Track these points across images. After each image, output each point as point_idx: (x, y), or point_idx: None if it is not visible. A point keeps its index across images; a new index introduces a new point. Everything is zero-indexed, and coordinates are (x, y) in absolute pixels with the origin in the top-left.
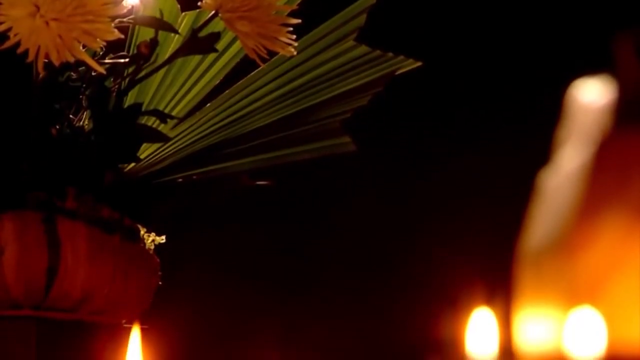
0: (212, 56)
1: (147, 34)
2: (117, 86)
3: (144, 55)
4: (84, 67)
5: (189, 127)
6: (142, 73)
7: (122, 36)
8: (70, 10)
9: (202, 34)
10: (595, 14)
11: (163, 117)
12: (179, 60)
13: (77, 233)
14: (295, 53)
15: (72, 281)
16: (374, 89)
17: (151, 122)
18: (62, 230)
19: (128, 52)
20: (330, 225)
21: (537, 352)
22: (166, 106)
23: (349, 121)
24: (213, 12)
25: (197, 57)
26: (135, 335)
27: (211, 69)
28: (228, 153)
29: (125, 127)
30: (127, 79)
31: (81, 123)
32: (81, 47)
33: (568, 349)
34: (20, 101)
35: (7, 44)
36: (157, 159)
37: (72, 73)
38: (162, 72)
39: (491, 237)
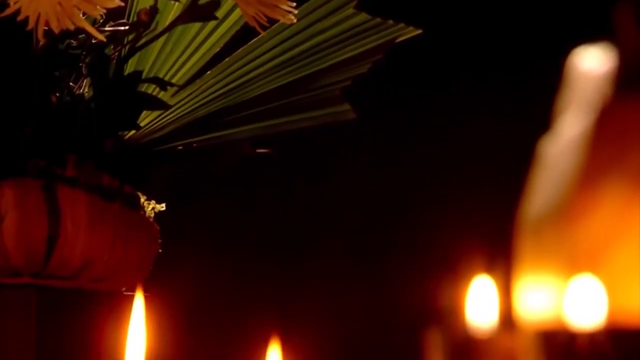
0: (212, 24)
1: (147, 1)
2: (117, 54)
3: (144, 23)
4: (84, 35)
5: (189, 94)
6: (142, 41)
7: (122, 4)
8: None
9: (202, 1)
10: None
11: (163, 84)
12: (179, 28)
13: (77, 200)
14: (295, 21)
15: (72, 249)
16: (374, 56)
17: (151, 89)
18: (62, 198)
19: (128, 19)
20: (330, 193)
21: (537, 320)
22: (166, 74)
23: (349, 89)
24: None
25: (197, 25)
26: (136, 302)
27: (211, 36)
28: (228, 121)
29: (126, 95)
30: (127, 47)
31: (81, 91)
32: (81, 15)
33: (568, 317)
34: (20, 69)
35: (7, 11)
36: (157, 126)
37: (72, 41)
38: (162, 39)
39: (491, 205)
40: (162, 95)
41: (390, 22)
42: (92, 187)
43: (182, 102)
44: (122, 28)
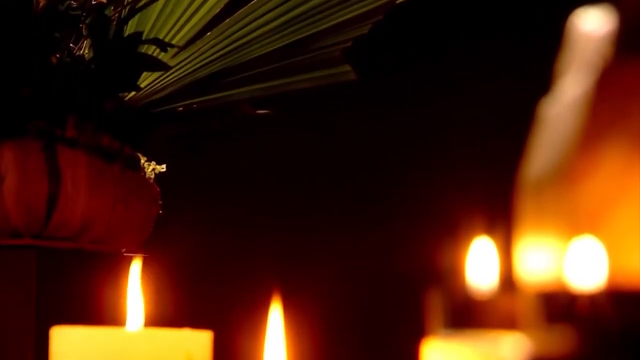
0: None
1: None
2: (117, 15)
3: None
4: None
5: (189, 55)
6: (142, 1)
7: None
8: None
9: None
10: None
11: (163, 45)
12: None
13: (78, 162)
14: None
15: (72, 210)
16: (374, 17)
17: (151, 50)
18: (62, 159)
19: None
20: (331, 153)
21: (537, 281)
22: (166, 35)
23: (349, 50)
24: None
25: None
26: (136, 263)
27: None
28: (228, 82)
29: (126, 56)
30: (127, 8)
31: (81, 52)
32: None
33: (569, 278)
34: (21, 30)
35: None
36: (157, 87)
37: (72, 2)
38: (162, 0)
39: (492, 166)
40: (162, 56)
41: None
42: (92, 148)
43: (182, 64)
44: None
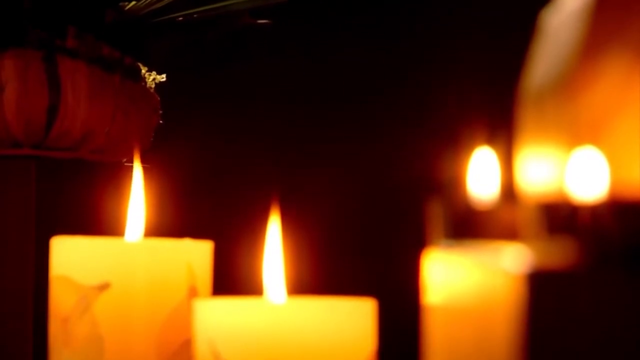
0: None
1: None
2: None
3: None
4: None
5: None
6: None
7: None
8: None
9: None
10: None
11: None
12: None
13: (78, 72)
14: None
15: (73, 120)
16: None
17: None
18: (62, 69)
19: None
20: (330, 65)
21: (538, 192)
22: None
23: None
24: None
25: None
26: (136, 173)
27: None
28: None
29: None
30: None
31: None
32: None
33: (570, 189)
34: None
35: None
36: None
37: None
38: None
39: (493, 76)
40: None
41: None
42: (93, 58)
43: None
44: None
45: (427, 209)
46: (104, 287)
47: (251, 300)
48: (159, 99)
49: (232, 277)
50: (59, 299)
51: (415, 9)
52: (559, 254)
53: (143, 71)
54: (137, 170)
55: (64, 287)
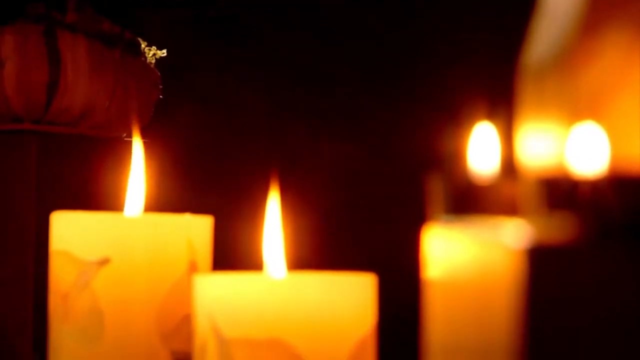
0: None
1: None
2: None
3: None
4: None
5: None
6: None
7: None
8: None
9: None
10: None
11: None
12: None
13: (78, 47)
14: None
15: (73, 95)
16: None
17: None
18: (62, 44)
19: None
20: (333, 39)
21: (539, 167)
22: None
23: None
24: None
25: None
26: (136, 148)
27: None
28: None
29: None
30: None
31: None
32: None
33: (570, 164)
34: None
35: None
36: None
37: None
38: None
39: (493, 50)
40: None
41: None
42: (93, 33)
43: None
44: None
45: (427, 184)
46: (104, 262)
47: (251, 275)
48: (159, 74)
49: (232, 252)
50: (59, 274)
51: None
52: (559, 229)
53: (143, 46)
54: (137, 145)
55: (64, 262)
